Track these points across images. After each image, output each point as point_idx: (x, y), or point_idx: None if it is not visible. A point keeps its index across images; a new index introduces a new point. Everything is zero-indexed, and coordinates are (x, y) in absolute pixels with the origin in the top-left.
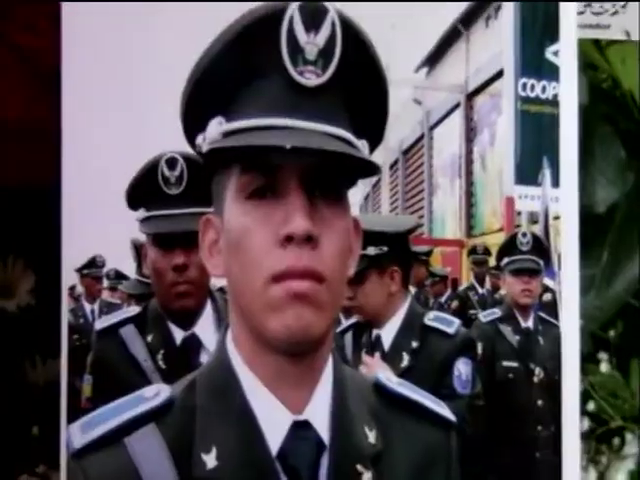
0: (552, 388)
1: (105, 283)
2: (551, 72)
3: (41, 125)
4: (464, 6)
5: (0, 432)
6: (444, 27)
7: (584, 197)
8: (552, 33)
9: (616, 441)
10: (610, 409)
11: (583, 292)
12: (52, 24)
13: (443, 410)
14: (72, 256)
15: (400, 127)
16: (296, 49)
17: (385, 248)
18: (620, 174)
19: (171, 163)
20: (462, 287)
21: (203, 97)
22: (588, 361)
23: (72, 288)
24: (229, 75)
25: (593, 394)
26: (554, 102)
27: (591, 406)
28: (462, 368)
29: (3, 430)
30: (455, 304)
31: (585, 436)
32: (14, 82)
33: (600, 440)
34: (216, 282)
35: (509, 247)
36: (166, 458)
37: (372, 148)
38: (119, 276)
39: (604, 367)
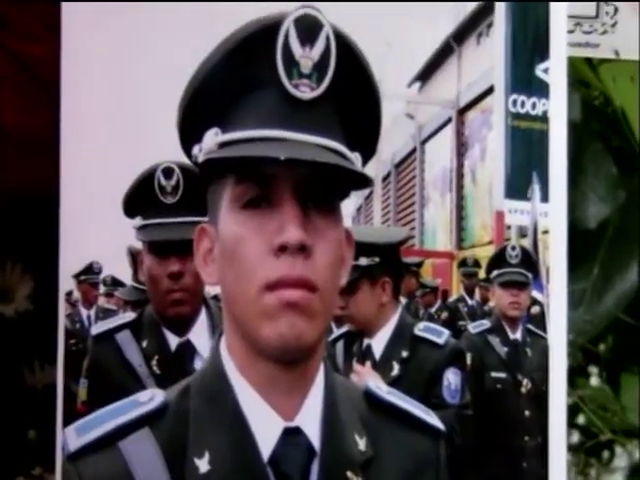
0: (539, 399)
1: (101, 289)
2: (541, 89)
3: (40, 133)
4: (456, 23)
5: None
6: (436, 44)
7: (576, 213)
8: (542, 51)
9: (605, 454)
10: (600, 422)
11: (574, 306)
12: (51, 33)
13: (432, 419)
14: (69, 262)
15: (392, 141)
16: (291, 62)
17: (377, 259)
18: (611, 191)
19: (167, 172)
20: (452, 298)
21: (200, 108)
22: (578, 375)
23: (69, 294)
24: (225, 87)
25: (583, 407)
26: (544, 118)
27: (581, 419)
28: (451, 378)
29: (0, 433)
30: (445, 315)
31: (575, 449)
32: (12, 90)
33: (589, 453)
34: (210, 290)
35: (498, 260)
36: (160, 462)
37: (365, 161)
38: (115, 282)
39: (594, 381)
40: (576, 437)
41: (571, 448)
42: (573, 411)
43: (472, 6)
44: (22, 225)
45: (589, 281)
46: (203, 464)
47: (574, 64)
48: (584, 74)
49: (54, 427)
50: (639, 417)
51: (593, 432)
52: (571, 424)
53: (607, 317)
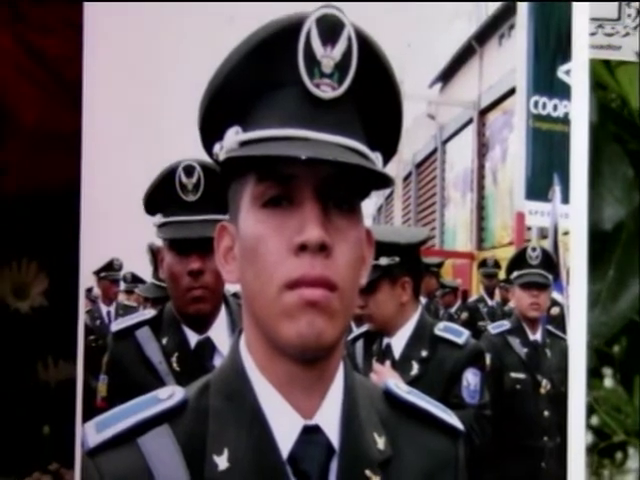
0: (558, 400)
1: (122, 286)
2: (563, 91)
3: (60, 130)
4: (478, 24)
5: (12, 430)
6: (458, 45)
7: (592, 214)
8: (564, 53)
9: (619, 455)
10: (613, 424)
11: (589, 308)
12: (72, 31)
13: (451, 419)
14: (90, 259)
15: (414, 141)
16: (313, 62)
17: (397, 259)
18: (627, 193)
19: (188, 171)
20: (472, 299)
21: (221, 107)
22: (592, 376)
23: (89, 290)
24: (247, 86)
25: (597, 408)
26: (565, 120)
27: (594, 420)
28: (471, 378)
29: (15, 428)
30: (465, 315)
31: (588, 450)
32: (34, 88)
33: (603, 454)
34: (230, 287)
35: (519, 261)
36: (179, 458)
37: (386, 160)
38: (135, 279)
39: (608, 382)
40: (589, 438)
41: (584, 449)
42: (587, 412)
43: (494, 7)
44: (39, 223)
45: (604, 283)
46: (222, 461)
47: (592, 67)
48: (602, 77)
49: (69, 423)
50: None
51: (606, 433)
52: (585, 425)
53: (622, 319)
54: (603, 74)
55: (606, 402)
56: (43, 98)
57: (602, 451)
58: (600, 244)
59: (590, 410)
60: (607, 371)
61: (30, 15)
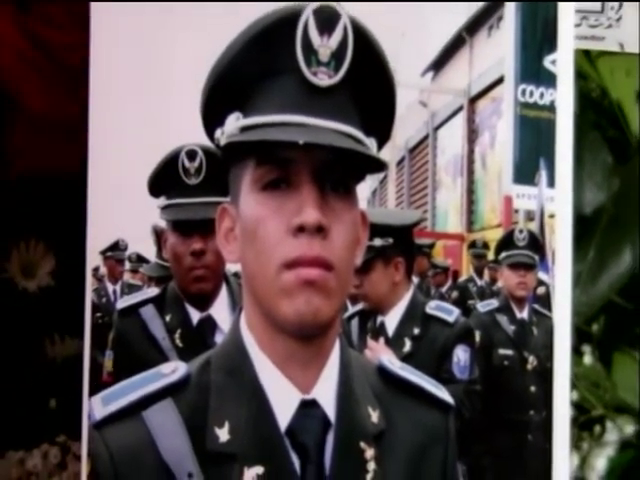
0: (544, 375)
1: (127, 265)
2: (549, 80)
3: (67, 116)
4: (468, 16)
5: (20, 404)
6: (449, 35)
7: (573, 199)
8: (550, 43)
9: (597, 429)
10: (592, 398)
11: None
12: (78, 20)
13: (442, 393)
14: (96, 239)
15: (406, 127)
16: (310, 51)
17: (390, 240)
18: (607, 179)
19: (191, 155)
20: (462, 279)
21: (222, 94)
22: (572, 353)
23: (96, 269)
24: (246, 74)
25: (576, 384)
26: (551, 108)
27: (574, 396)
28: (461, 355)
29: (23, 402)
30: (455, 294)
31: None
32: (41, 77)
33: (582, 428)
34: (231, 267)
35: (507, 242)
36: (181, 431)
37: (380, 146)
38: (140, 259)
39: (587, 359)
40: (570, 413)
41: (569, 422)
42: None
43: None
44: (46, 205)
45: (585, 265)
46: (223, 433)
47: (574, 57)
48: (582, 67)
49: (75, 396)
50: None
51: (586, 408)
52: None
53: (601, 299)
54: (584, 65)
55: (585, 378)
56: (49, 86)
57: (582, 425)
58: (581, 227)
59: (570, 386)
60: (586, 348)
61: (36, 7)
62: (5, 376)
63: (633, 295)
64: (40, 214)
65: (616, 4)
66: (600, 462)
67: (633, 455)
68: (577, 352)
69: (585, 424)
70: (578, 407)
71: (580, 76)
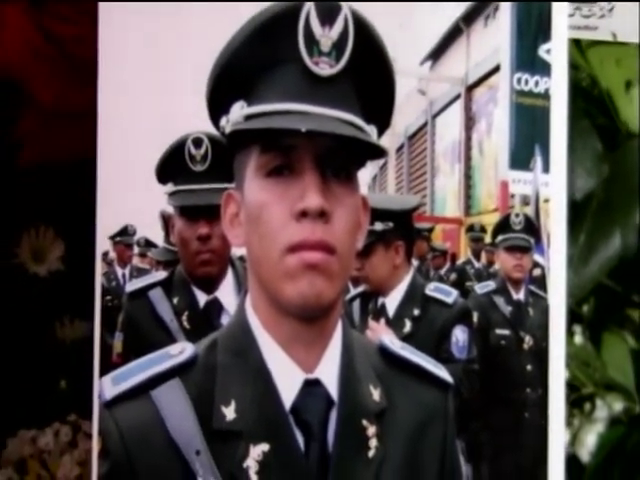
0: (540, 354)
1: (136, 250)
2: (544, 68)
3: (76, 107)
4: (465, 6)
5: (32, 384)
6: (447, 25)
7: None
8: (545, 33)
9: (587, 406)
10: (582, 377)
11: None
12: (87, 14)
13: (441, 372)
14: (106, 225)
15: (406, 115)
16: (312, 42)
17: (391, 224)
18: (597, 165)
19: (197, 142)
20: (460, 261)
21: (227, 83)
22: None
23: (105, 254)
24: (250, 64)
25: (568, 363)
26: (546, 96)
27: (565, 374)
28: (459, 335)
29: (34, 382)
30: (453, 276)
31: None
32: (52, 70)
33: (573, 405)
34: (236, 251)
35: (503, 226)
36: (189, 410)
37: (380, 133)
38: (148, 244)
39: (578, 339)
40: None
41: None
42: None
43: None
44: (56, 192)
45: (576, 248)
46: (230, 412)
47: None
48: (573, 57)
49: (85, 377)
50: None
51: (576, 386)
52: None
53: (591, 281)
54: (575, 55)
55: (576, 357)
56: (60, 77)
57: (572, 402)
58: (572, 212)
59: None
60: (577, 329)
61: (46, 1)
62: (17, 358)
63: (622, 277)
64: (50, 201)
65: None
66: (590, 438)
67: (622, 431)
68: (568, 332)
69: (576, 402)
70: (569, 385)
71: (571, 66)
